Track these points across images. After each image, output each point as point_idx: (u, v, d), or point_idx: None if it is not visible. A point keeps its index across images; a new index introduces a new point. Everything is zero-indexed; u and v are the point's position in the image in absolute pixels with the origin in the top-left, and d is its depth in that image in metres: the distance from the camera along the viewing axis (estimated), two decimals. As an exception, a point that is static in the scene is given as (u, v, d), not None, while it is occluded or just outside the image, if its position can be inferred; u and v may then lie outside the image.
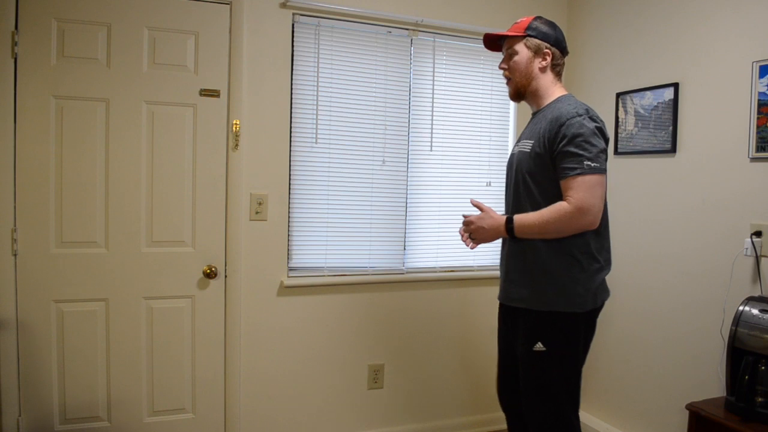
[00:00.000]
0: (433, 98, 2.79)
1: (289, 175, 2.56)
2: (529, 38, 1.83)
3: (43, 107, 2.20)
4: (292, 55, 2.54)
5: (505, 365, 2.01)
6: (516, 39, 1.85)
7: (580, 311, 1.75)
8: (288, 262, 2.59)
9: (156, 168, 2.35)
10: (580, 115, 1.70)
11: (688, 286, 2.35)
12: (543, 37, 1.83)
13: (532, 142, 1.79)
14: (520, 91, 1.88)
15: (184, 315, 2.42)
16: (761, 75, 2.06)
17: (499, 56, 1.98)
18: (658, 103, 2.47)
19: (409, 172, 2.76)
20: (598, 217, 1.70)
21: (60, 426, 2.29)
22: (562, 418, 1.79)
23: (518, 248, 1.83)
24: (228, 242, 2.46)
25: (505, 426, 2.98)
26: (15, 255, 2.20)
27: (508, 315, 1.94)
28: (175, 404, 2.44)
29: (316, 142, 2.60)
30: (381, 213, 2.72)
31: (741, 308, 1.96)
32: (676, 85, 2.39)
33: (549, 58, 1.84)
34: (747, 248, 2.10)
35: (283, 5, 2.49)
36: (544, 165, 1.75)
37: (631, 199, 2.63)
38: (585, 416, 2.85)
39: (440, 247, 2.84)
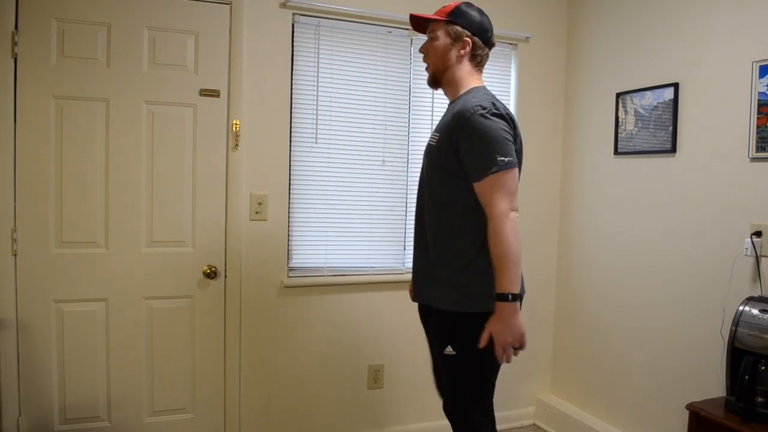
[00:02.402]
0: (433, 98, 2.79)
1: (289, 175, 2.56)
2: (450, 24, 1.75)
3: (43, 107, 2.20)
4: (292, 55, 2.54)
5: (434, 363, 1.95)
6: (438, 24, 1.77)
7: (486, 311, 1.63)
8: (288, 262, 2.59)
9: (156, 168, 2.35)
10: (484, 108, 1.62)
11: (687, 286, 2.35)
12: (466, 24, 1.75)
13: (439, 135, 1.74)
14: (437, 77, 1.82)
15: (184, 315, 2.42)
16: (761, 75, 2.06)
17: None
18: (658, 103, 2.47)
19: (409, 172, 2.76)
20: (514, 208, 1.63)
21: (60, 426, 2.29)
22: (473, 426, 1.76)
23: (422, 248, 1.80)
24: (228, 242, 2.46)
25: (506, 426, 3.01)
26: (15, 255, 2.20)
27: (422, 313, 1.93)
28: (175, 404, 2.44)
29: (316, 142, 2.60)
30: (381, 213, 2.72)
31: (741, 308, 1.96)
32: (676, 85, 2.39)
33: (468, 48, 1.75)
34: (747, 248, 2.10)
35: (283, 5, 2.49)
36: (450, 159, 1.68)
37: (631, 199, 2.63)
38: (585, 416, 2.85)
39: (440, 247, 2.84)
